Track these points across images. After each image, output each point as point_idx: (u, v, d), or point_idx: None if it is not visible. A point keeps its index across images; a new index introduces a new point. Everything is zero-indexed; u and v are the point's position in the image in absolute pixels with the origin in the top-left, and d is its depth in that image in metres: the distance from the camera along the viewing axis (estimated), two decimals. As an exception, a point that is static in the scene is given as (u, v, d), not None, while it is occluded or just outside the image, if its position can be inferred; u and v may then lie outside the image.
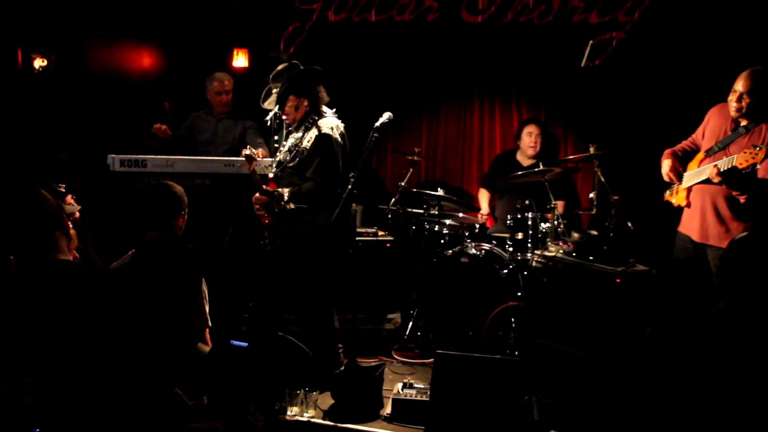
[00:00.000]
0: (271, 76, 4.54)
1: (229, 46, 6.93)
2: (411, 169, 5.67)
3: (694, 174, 4.28)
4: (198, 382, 3.13)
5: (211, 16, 6.88)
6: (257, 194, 4.37)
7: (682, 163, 4.45)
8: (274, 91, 4.45)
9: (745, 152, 3.86)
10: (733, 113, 4.18)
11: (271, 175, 4.45)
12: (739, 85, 4.10)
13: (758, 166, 3.85)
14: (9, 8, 6.56)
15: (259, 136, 5.64)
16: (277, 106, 4.54)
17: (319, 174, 4.28)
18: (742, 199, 4.06)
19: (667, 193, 4.46)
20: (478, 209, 5.96)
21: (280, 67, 4.53)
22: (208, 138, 5.67)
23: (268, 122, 4.76)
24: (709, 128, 4.39)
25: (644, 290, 4.29)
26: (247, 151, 4.47)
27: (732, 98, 4.15)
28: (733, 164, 3.89)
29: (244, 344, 2.91)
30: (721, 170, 3.94)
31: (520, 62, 6.12)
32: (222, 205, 4.82)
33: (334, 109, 4.55)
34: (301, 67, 4.48)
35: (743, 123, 4.18)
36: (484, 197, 6.01)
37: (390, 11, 6.21)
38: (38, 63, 6.95)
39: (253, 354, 3.50)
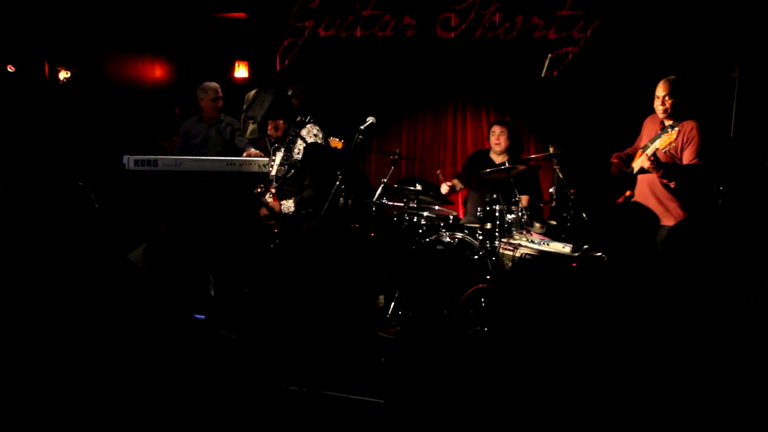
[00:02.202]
0: (244, 108, 4.47)
1: (231, 59, 6.88)
2: (392, 168, 5.59)
3: (637, 164, 4.46)
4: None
5: (215, 32, 6.83)
6: (264, 211, 4.41)
7: (627, 162, 4.61)
8: (251, 121, 4.41)
9: (662, 137, 4.24)
10: (660, 115, 4.39)
11: (273, 191, 4.43)
12: (660, 91, 4.34)
13: (673, 144, 4.22)
14: (37, 26, 6.48)
15: (243, 136, 5.58)
16: (260, 134, 4.52)
17: (315, 179, 4.31)
18: (672, 185, 4.28)
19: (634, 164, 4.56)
20: (452, 203, 5.89)
21: (250, 95, 4.46)
22: (201, 142, 5.58)
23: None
24: (645, 133, 4.58)
25: (596, 273, 4.26)
26: (258, 190, 4.46)
27: (657, 103, 4.38)
28: (656, 147, 4.25)
29: (202, 317, 2.84)
30: (649, 154, 4.22)
31: (488, 73, 6.06)
32: (224, 199, 4.77)
33: (309, 117, 4.50)
34: (266, 92, 4.42)
35: (668, 123, 4.37)
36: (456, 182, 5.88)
37: (373, 28, 6.15)
38: (63, 75, 6.87)
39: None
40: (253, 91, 4.46)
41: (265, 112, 4.31)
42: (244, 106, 4.47)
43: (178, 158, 5.03)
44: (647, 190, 4.46)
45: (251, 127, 4.45)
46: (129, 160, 4.85)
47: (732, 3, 5.17)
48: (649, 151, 4.28)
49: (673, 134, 4.19)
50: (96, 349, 2.38)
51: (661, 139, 4.26)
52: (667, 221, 4.39)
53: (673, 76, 4.34)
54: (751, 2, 5.07)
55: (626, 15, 5.57)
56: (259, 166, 4.83)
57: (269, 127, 4.39)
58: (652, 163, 4.20)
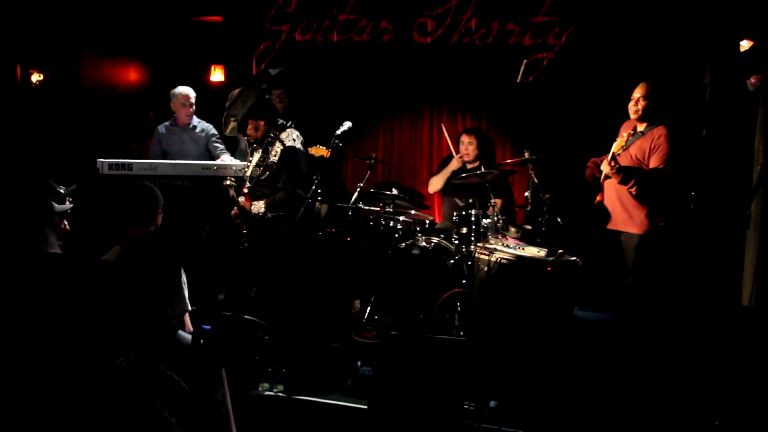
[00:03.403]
0: (227, 105, 4.44)
1: (207, 62, 6.84)
2: (369, 172, 5.58)
3: (603, 169, 4.51)
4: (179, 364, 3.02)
5: (191, 35, 6.78)
6: (235, 210, 4.34)
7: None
8: (232, 119, 4.39)
9: (616, 141, 4.37)
10: (633, 117, 4.44)
11: (246, 191, 4.40)
12: (636, 93, 4.40)
13: (624, 149, 4.34)
14: (9, 27, 6.38)
15: (220, 143, 5.54)
16: (239, 132, 4.49)
17: (289, 183, 4.30)
18: (633, 191, 4.31)
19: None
20: (428, 207, 5.91)
21: (234, 93, 4.44)
22: (174, 147, 5.53)
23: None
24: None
25: (570, 277, 4.29)
26: (227, 182, 4.41)
27: (631, 104, 4.42)
28: (612, 151, 4.33)
29: (208, 327, 2.83)
30: (608, 159, 4.28)
31: (464, 78, 6.07)
32: (199, 203, 4.73)
33: (290, 122, 4.49)
34: (249, 91, 4.41)
35: (641, 128, 4.41)
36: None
37: (350, 32, 6.14)
38: (35, 77, 6.78)
39: (225, 335, 3.41)
40: (237, 90, 4.44)
41: (246, 111, 4.30)
42: (227, 104, 4.45)
43: (153, 162, 4.99)
44: (614, 196, 4.50)
45: (232, 124, 4.43)
46: (103, 165, 4.80)
47: (704, 11, 5.24)
48: (609, 156, 4.33)
49: (624, 138, 4.33)
50: (71, 353, 2.35)
51: (615, 143, 4.37)
52: (630, 228, 4.42)
53: (651, 81, 4.41)
54: (722, 11, 5.15)
55: (601, 22, 5.61)
56: (234, 170, 4.81)
57: (249, 127, 4.37)
58: (612, 168, 4.24)
